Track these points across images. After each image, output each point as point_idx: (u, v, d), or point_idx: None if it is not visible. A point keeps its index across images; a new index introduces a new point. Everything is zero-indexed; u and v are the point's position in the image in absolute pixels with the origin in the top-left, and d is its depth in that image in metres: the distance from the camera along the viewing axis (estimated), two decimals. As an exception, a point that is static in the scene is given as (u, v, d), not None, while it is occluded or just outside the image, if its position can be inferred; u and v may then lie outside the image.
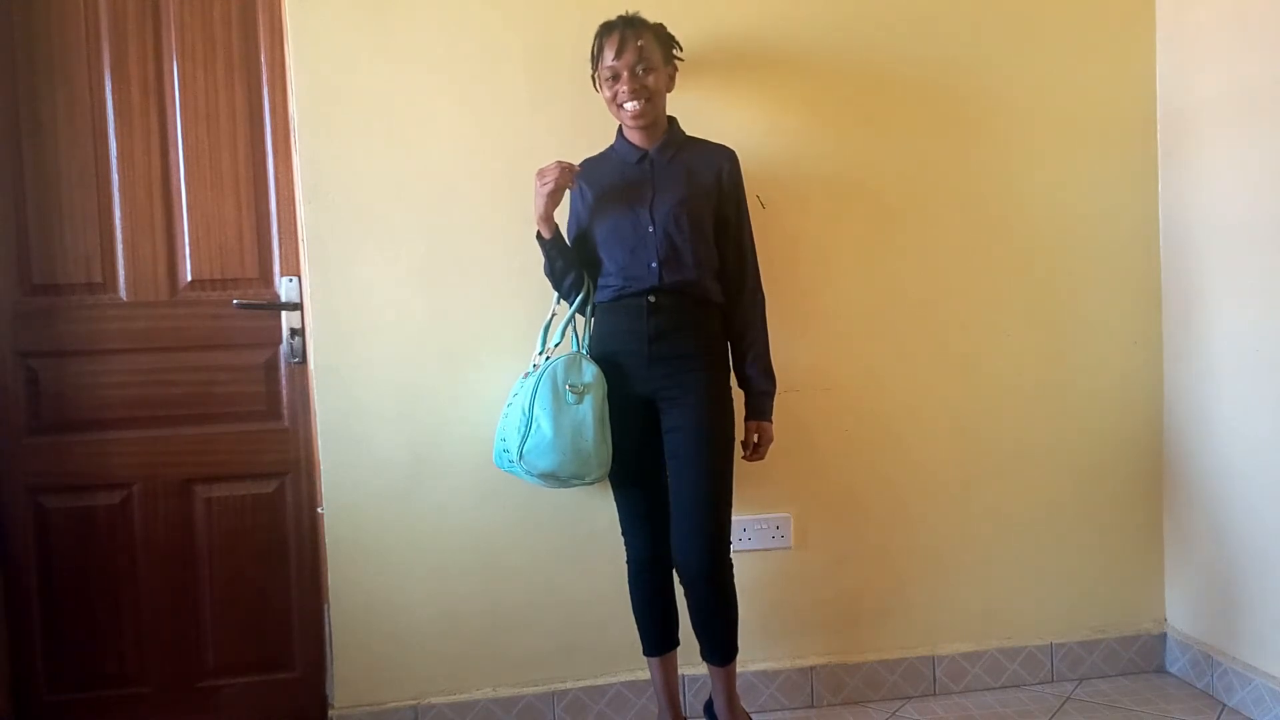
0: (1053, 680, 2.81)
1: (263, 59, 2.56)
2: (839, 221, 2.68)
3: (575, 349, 2.37)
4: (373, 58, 2.47)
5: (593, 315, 2.37)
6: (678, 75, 2.36)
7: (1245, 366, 2.57)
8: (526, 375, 2.32)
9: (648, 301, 2.24)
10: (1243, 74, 2.52)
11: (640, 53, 2.22)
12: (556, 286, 2.37)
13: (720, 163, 2.32)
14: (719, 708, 2.36)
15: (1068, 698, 2.73)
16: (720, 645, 2.31)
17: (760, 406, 2.35)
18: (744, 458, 2.37)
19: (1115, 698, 2.72)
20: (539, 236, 2.29)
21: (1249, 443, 2.57)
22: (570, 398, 2.23)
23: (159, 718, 2.60)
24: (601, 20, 2.31)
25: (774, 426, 2.38)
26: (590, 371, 2.27)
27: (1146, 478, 2.87)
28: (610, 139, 2.38)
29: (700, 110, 2.51)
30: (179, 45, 2.53)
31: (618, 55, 2.22)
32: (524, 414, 2.24)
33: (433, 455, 2.53)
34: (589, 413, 2.23)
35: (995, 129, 2.73)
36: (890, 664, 2.75)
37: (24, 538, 2.53)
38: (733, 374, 2.36)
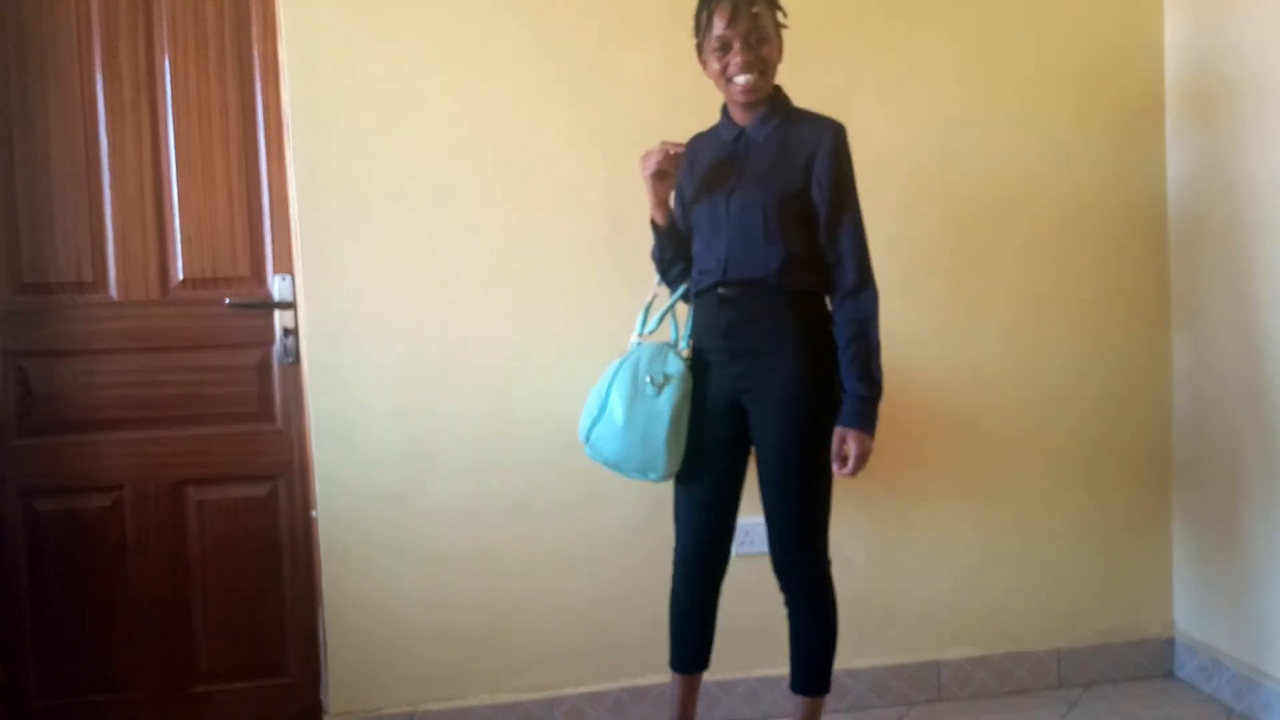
0: (1060, 686, 2.78)
1: (255, 54, 2.53)
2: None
3: (674, 338, 2.24)
4: (367, 53, 2.44)
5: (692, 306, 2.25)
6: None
7: (1255, 368, 2.54)
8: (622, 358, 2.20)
9: (718, 295, 2.12)
10: (1254, 57, 2.48)
11: (755, 20, 2.03)
12: (662, 273, 2.25)
13: (817, 142, 2.07)
14: None
15: (1075, 704, 2.70)
16: (816, 674, 2.18)
17: (848, 410, 2.07)
18: (836, 472, 2.10)
19: (1123, 703, 2.69)
20: (652, 222, 2.18)
21: (1258, 446, 2.54)
22: (649, 389, 2.12)
23: (151, 723, 2.57)
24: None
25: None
26: (676, 365, 2.14)
27: (1154, 481, 2.84)
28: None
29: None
30: (171, 40, 2.51)
31: (730, 24, 2.02)
32: (600, 397, 2.16)
33: (428, 457, 2.50)
34: (667, 407, 2.12)
35: (995, 130, 2.70)
36: (895, 669, 2.71)
37: (14, 540, 2.51)
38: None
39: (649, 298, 2.26)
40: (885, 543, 2.71)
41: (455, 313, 2.50)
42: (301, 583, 2.61)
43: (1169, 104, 2.77)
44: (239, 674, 2.61)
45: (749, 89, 2.06)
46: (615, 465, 2.18)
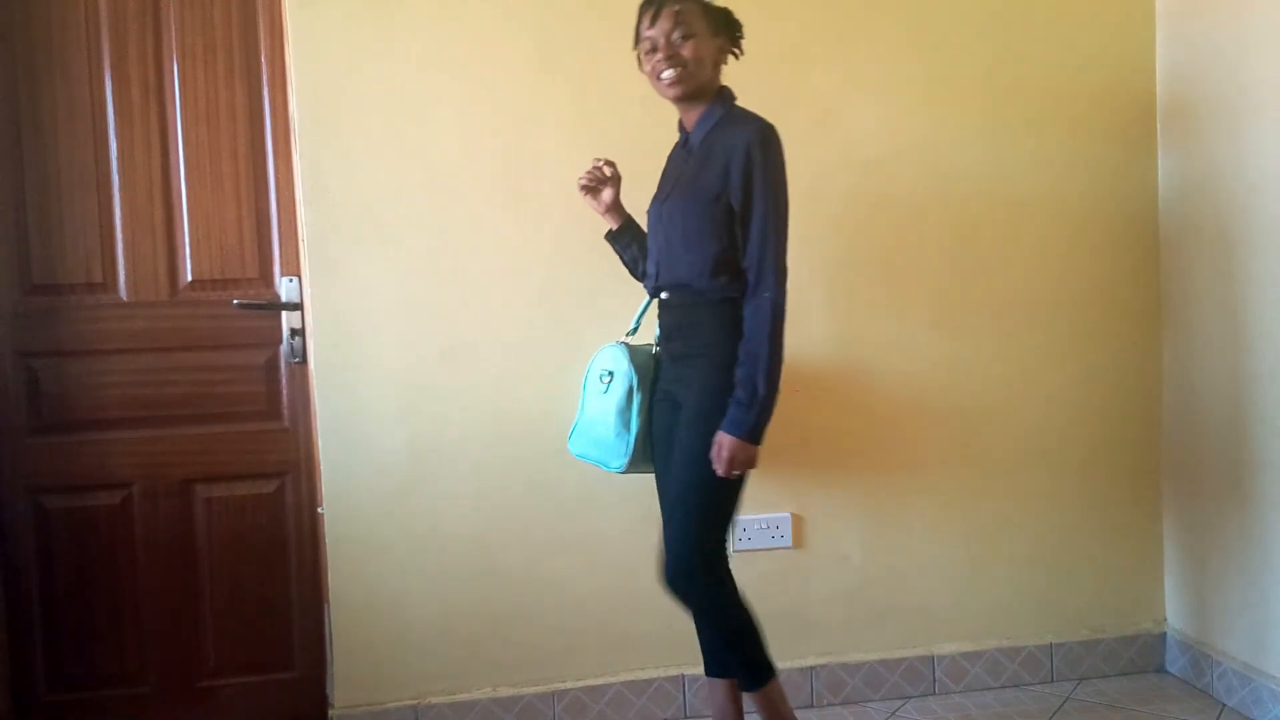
0: (1052, 680, 2.81)
1: (263, 59, 2.56)
2: (838, 219, 2.68)
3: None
4: (373, 58, 2.47)
5: None
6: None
7: (1243, 368, 2.57)
8: None
9: (660, 299, 2.20)
10: (1243, 65, 2.52)
11: (676, 18, 2.05)
12: (633, 275, 2.38)
13: (736, 144, 2.03)
14: None
15: (1067, 698, 2.73)
16: (717, 664, 2.20)
17: (727, 414, 2.00)
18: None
19: (1115, 698, 2.72)
20: (608, 231, 2.36)
21: (1248, 443, 2.57)
22: (600, 386, 2.24)
23: (159, 718, 2.60)
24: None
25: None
26: (621, 361, 2.23)
27: (1146, 477, 2.87)
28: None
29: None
30: (179, 45, 2.53)
31: (652, 23, 2.07)
32: (580, 396, 2.33)
33: (433, 455, 2.53)
34: (611, 403, 2.22)
35: (988, 136, 2.74)
36: (890, 663, 2.75)
37: (24, 538, 2.53)
38: None
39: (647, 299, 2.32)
40: (880, 539, 2.74)
41: (460, 313, 2.53)
42: (308, 579, 2.64)
43: (1160, 110, 2.80)
44: (246, 669, 2.63)
45: (671, 83, 2.08)
46: (584, 457, 2.31)
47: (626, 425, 2.21)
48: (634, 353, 2.25)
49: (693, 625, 2.29)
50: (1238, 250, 2.58)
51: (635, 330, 2.33)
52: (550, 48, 2.53)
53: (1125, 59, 2.80)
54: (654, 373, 2.24)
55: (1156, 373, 2.85)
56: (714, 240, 2.06)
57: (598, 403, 2.26)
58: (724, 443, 1.99)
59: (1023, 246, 2.77)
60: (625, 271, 2.39)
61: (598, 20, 2.53)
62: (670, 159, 2.26)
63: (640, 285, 2.33)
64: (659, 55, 2.08)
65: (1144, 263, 2.83)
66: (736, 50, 2.17)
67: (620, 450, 2.22)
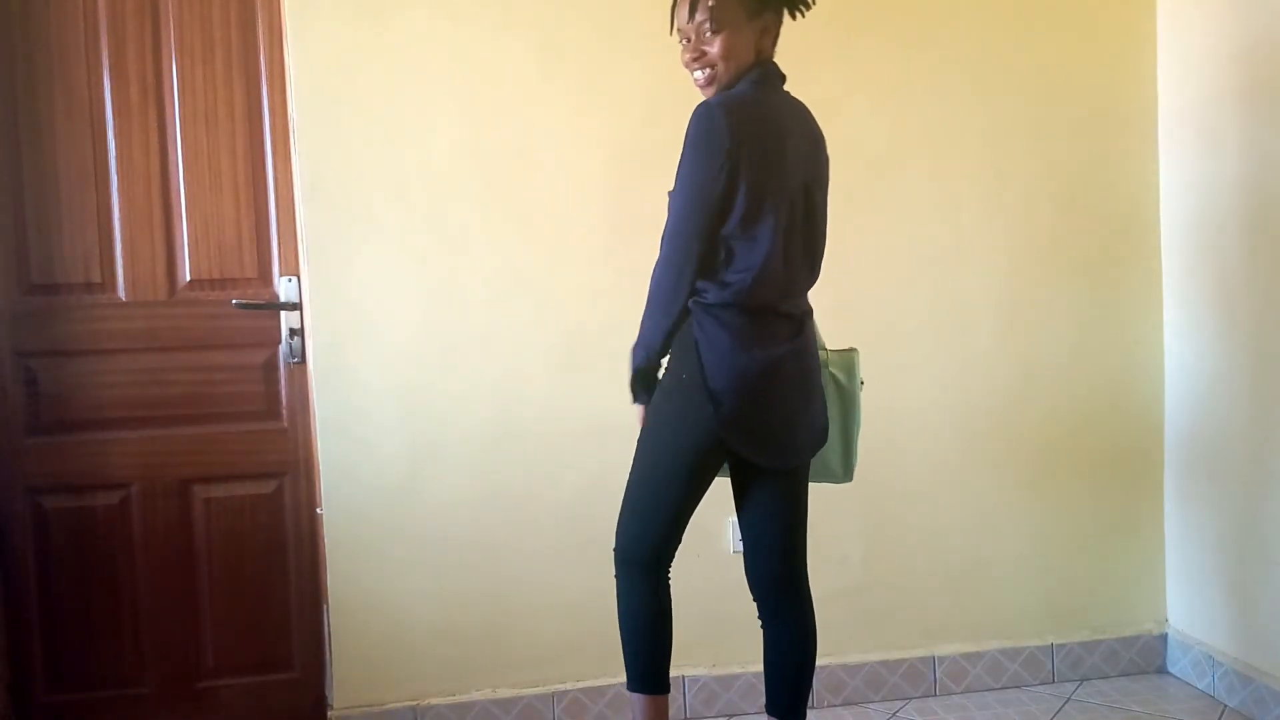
0: (1054, 681, 2.81)
1: (262, 58, 2.56)
2: (837, 218, 2.67)
3: None
4: (372, 57, 2.47)
5: None
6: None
7: (1246, 365, 2.57)
8: None
9: None
10: (1247, 64, 2.51)
11: (710, 12, 1.93)
12: None
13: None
14: None
15: (1068, 698, 2.73)
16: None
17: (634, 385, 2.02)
18: None
19: (1116, 698, 2.72)
20: None
21: (1251, 441, 2.57)
22: None
23: (157, 718, 2.59)
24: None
25: None
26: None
27: (1148, 477, 2.87)
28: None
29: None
30: (178, 44, 2.53)
31: (688, 15, 1.96)
32: None
33: (432, 455, 2.53)
34: None
35: (993, 131, 2.73)
36: (891, 664, 2.74)
37: (23, 538, 2.53)
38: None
39: None
40: (881, 540, 2.74)
41: (458, 313, 2.53)
42: (307, 579, 2.64)
43: (1162, 110, 2.80)
44: (245, 669, 2.63)
45: (702, 86, 2.01)
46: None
47: None
48: None
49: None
50: (1239, 251, 2.57)
51: None
52: (550, 48, 2.53)
53: (1126, 60, 2.79)
54: None
55: (1158, 373, 2.85)
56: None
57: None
58: None
59: (1023, 247, 2.76)
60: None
61: (597, 20, 2.52)
62: None
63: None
64: (688, 53, 2.00)
65: (1145, 263, 2.83)
66: (796, 12, 2.04)
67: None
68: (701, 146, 1.90)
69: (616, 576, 2.14)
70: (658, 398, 2.01)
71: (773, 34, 2.04)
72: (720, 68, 1.97)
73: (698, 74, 2.00)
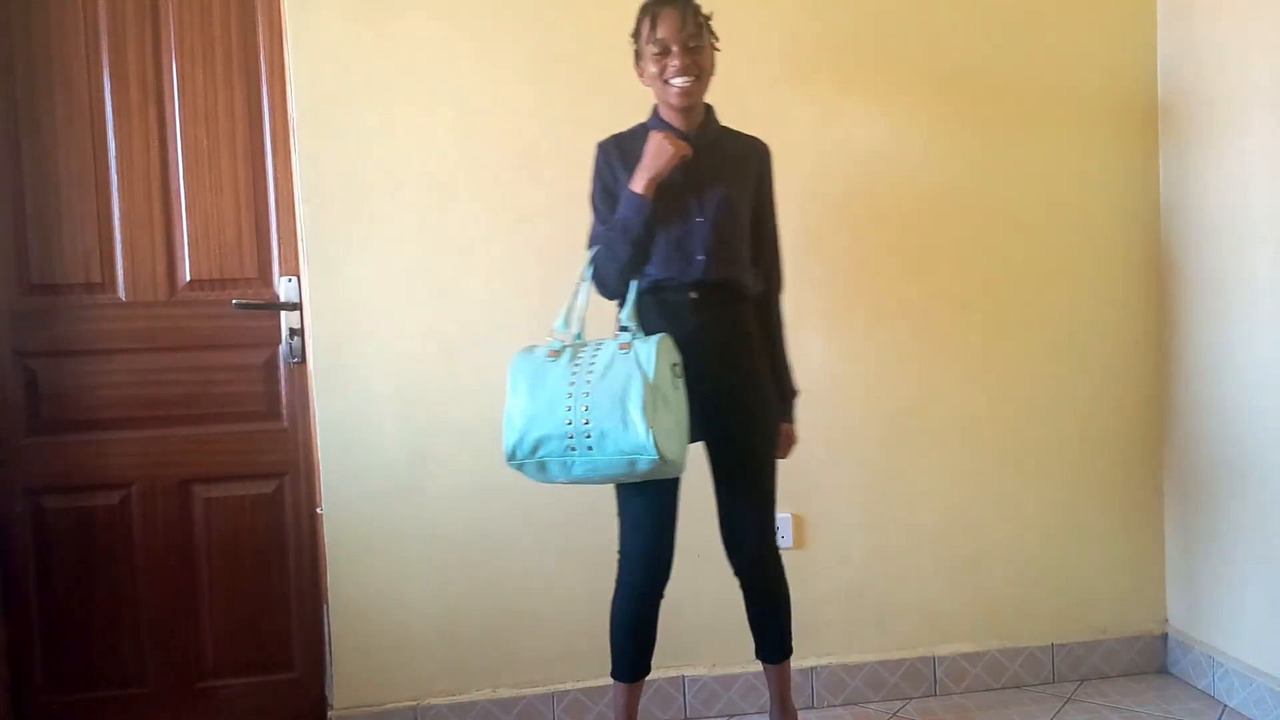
0: (1054, 681, 2.81)
1: (262, 58, 2.56)
2: (837, 223, 2.68)
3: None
4: (371, 58, 2.47)
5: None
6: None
7: (1245, 366, 2.57)
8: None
9: (689, 297, 2.14)
10: (1245, 69, 2.52)
11: (700, 25, 2.08)
12: (623, 269, 2.14)
13: (759, 154, 2.23)
14: None
15: (1069, 698, 2.73)
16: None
17: (790, 407, 2.34)
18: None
19: (1116, 698, 2.72)
20: (640, 198, 2.07)
21: (1250, 442, 2.57)
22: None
23: (157, 718, 2.60)
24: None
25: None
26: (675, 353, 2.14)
27: (1148, 477, 2.87)
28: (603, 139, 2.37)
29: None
30: (178, 45, 2.53)
31: (670, 28, 2.06)
32: None
33: (432, 455, 2.53)
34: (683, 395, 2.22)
35: (987, 142, 2.73)
36: (891, 664, 2.74)
37: (23, 538, 2.53)
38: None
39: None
40: (880, 539, 2.74)
41: (458, 313, 2.53)
42: (307, 579, 2.64)
43: (1161, 117, 2.79)
44: (245, 669, 2.63)
45: (684, 92, 2.08)
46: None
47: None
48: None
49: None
50: (1239, 251, 2.57)
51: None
52: (549, 47, 2.53)
53: (1125, 60, 2.79)
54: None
55: (1158, 373, 2.85)
56: (747, 240, 2.20)
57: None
58: (790, 431, 2.39)
59: (1023, 247, 2.76)
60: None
61: (596, 20, 2.52)
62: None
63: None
64: (674, 61, 2.05)
65: (1145, 263, 2.83)
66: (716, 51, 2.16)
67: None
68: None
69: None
70: (769, 393, 2.26)
71: None
72: (704, 81, 2.11)
73: (681, 81, 2.07)
